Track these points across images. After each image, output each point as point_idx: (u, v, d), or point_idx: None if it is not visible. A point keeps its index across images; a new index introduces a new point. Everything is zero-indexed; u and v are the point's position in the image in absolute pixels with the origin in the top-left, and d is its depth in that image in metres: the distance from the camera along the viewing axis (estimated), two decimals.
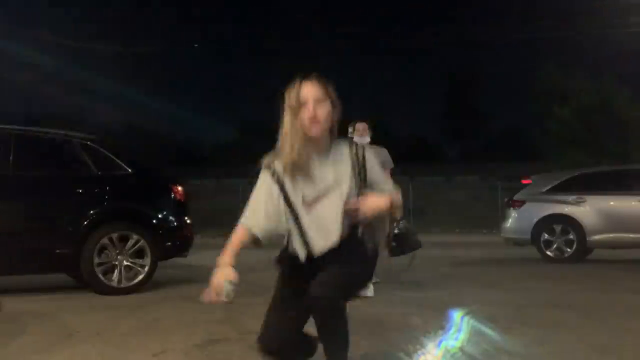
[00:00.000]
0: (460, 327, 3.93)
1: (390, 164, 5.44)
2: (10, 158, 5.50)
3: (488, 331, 3.77)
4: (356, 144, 2.25)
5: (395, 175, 5.51)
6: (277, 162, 2.19)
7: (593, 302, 5.02)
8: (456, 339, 3.59)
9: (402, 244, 5.16)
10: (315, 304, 2.01)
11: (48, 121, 19.53)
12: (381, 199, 2.14)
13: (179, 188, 6.32)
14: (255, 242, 2.20)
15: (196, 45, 46.76)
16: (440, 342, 3.50)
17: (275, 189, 2.18)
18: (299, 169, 2.13)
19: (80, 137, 6.07)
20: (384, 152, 5.46)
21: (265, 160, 2.22)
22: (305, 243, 2.15)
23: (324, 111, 2.12)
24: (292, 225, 2.18)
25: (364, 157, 2.21)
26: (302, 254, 2.17)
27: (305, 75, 2.16)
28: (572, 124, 21.70)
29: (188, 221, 6.32)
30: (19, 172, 5.54)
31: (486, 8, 48.94)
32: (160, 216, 6.11)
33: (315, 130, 2.12)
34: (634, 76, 23.38)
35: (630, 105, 21.20)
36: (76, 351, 3.34)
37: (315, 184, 2.15)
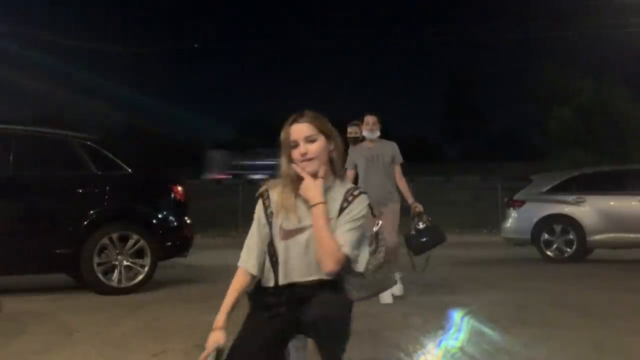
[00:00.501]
0: (460, 327, 3.93)
1: (400, 159, 5.33)
2: (11, 158, 5.51)
3: (488, 331, 3.77)
4: (353, 189, 2.15)
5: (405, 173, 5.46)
6: (272, 191, 2.17)
7: (593, 301, 5.02)
8: (456, 339, 3.59)
9: (431, 238, 5.20)
10: (318, 322, 1.95)
11: (48, 121, 19.52)
12: (316, 192, 2.07)
13: (179, 188, 6.32)
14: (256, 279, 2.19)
15: (196, 45, 46.75)
16: (440, 342, 3.50)
17: (264, 217, 2.16)
18: (287, 208, 2.11)
19: (80, 137, 6.07)
20: (394, 147, 5.36)
21: (262, 188, 2.20)
22: (275, 270, 2.11)
23: (315, 147, 2.10)
24: (268, 250, 2.14)
25: (350, 203, 2.11)
26: (271, 280, 2.13)
27: (295, 116, 2.13)
28: (572, 124, 21.70)
29: (188, 221, 6.33)
30: (19, 172, 5.54)
31: (486, 8, 48.98)
32: (160, 216, 6.11)
33: (310, 168, 2.09)
34: (634, 76, 23.40)
35: (630, 105, 21.20)
36: (76, 351, 3.34)
37: (303, 219, 2.11)
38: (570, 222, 8.74)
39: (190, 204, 6.60)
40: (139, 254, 5.72)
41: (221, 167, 24.77)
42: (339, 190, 2.15)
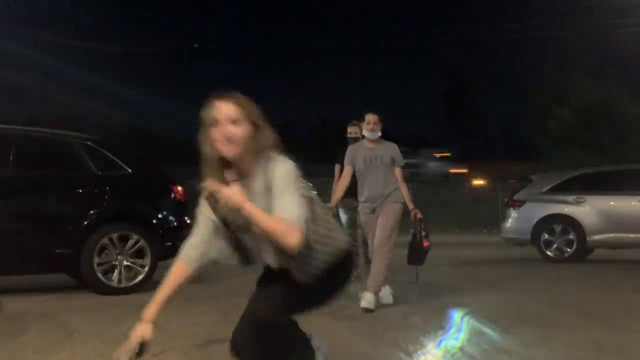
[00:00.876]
0: (460, 327, 3.93)
1: (401, 162, 5.08)
2: (11, 158, 5.51)
3: (488, 331, 3.77)
4: (270, 160, 1.97)
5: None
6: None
7: (593, 301, 5.02)
8: (456, 339, 3.59)
9: (428, 247, 5.17)
10: (249, 319, 1.95)
11: (48, 121, 19.52)
12: (238, 196, 1.89)
13: (179, 188, 6.32)
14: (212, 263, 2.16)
15: (196, 45, 46.79)
16: (440, 342, 3.51)
17: (210, 215, 2.07)
18: (228, 206, 1.94)
19: (80, 137, 6.07)
20: (395, 148, 5.12)
21: (202, 186, 2.02)
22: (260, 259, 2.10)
23: (238, 131, 1.92)
24: (235, 245, 2.10)
25: (272, 173, 1.94)
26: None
27: (219, 94, 1.96)
28: (572, 124, 21.70)
29: (188, 221, 6.32)
30: (19, 172, 5.54)
31: (487, 8, 49.01)
32: (160, 216, 6.11)
33: (229, 151, 1.93)
34: (634, 76, 23.40)
35: (630, 105, 21.21)
36: (76, 351, 3.34)
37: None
38: (570, 222, 8.74)
39: (190, 204, 6.60)
40: (139, 254, 5.72)
41: None
42: (261, 172, 1.97)
